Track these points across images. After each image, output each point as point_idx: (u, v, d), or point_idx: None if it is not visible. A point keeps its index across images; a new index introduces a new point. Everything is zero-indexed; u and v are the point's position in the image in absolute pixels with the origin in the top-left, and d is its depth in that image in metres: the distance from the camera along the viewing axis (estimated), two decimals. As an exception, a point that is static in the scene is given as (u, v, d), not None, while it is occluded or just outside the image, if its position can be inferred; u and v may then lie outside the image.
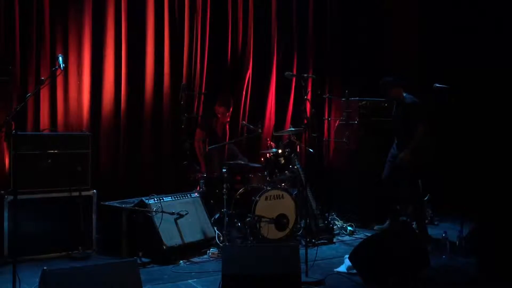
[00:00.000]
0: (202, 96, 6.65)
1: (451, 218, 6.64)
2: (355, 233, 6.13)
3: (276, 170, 5.94)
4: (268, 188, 5.61)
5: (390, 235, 4.99)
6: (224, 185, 5.42)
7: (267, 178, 5.86)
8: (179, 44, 6.54)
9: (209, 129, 6.30)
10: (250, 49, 7.07)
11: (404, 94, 5.90)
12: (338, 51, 7.75)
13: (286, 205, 5.59)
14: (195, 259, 5.08)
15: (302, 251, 4.36)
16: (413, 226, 5.83)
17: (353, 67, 7.64)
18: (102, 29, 6.05)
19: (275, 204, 5.54)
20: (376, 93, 6.26)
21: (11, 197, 4.77)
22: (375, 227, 6.28)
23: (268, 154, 6.03)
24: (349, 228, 6.18)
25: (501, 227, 4.85)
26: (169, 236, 5.02)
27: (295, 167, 5.88)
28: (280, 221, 5.53)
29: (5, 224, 4.79)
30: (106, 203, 5.35)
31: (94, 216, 5.17)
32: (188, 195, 5.50)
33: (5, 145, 5.40)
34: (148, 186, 5.93)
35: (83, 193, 5.12)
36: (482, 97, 7.07)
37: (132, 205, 5.19)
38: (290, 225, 5.60)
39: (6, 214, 4.80)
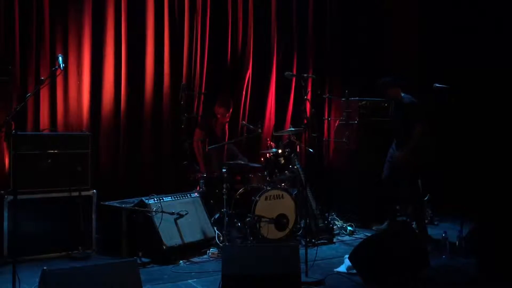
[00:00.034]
0: (202, 96, 6.65)
1: (451, 218, 6.63)
2: (355, 233, 6.12)
3: (276, 170, 5.94)
4: (268, 188, 5.61)
5: (390, 235, 4.98)
6: (224, 185, 5.42)
7: (267, 178, 5.86)
8: (179, 44, 6.54)
9: (208, 129, 6.30)
10: (250, 49, 7.07)
11: (403, 94, 5.90)
12: (338, 51, 7.75)
13: (286, 205, 5.59)
14: (195, 259, 5.08)
15: (302, 251, 4.36)
16: (413, 226, 5.83)
17: (353, 67, 7.64)
18: (102, 29, 6.05)
19: (275, 204, 5.54)
20: (376, 93, 6.26)
21: (11, 197, 4.77)
22: (373, 227, 6.28)
23: (268, 154, 6.03)
24: (349, 228, 6.18)
25: (501, 227, 4.84)
26: (169, 236, 5.02)
27: (295, 167, 5.88)
28: (280, 221, 5.53)
29: (5, 224, 4.79)
30: (106, 203, 5.35)
31: (94, 216, 5.17)
32: (188, 195, 5.50)
33: (5, 145, 5.40)
34: (148, 186, 5.93)
35: (83, 193, 5.12)
36: (482, 97, 7.06)
37: (132, 205, 5.19)
38: (290, 225, 5.60)
39: (6, 214, 4.80)
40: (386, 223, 6.24)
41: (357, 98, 6.77)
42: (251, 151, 6.83)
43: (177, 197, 5.36)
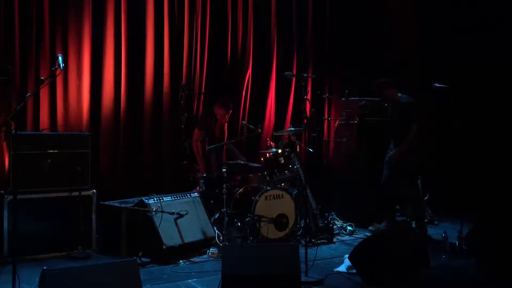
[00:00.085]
0: (202, 96, 6.66)
1: (451, 218, 6.63)
2: (355, 233, 6.12)
3: (276, 170, 5.94)
4: (268, 188, 5.60)
5: (390, 235, 4.98)
6: (224, 185, 5.42)
7: (267, 178, 5.86)
8: (179, 44, 6.54)
9: (207, 129, 6.30)
10: (250, 49, 7.07)
11: (400, 95, 5.90)
12: (338, 51, 7.75)
13: (285, 205, 5.59)
14: (195, 259, 5.08)
15: (302, 251, 4.35)
16: (413, 226, 5.84)
17: (353, 67, 7.64)
18: (102, 29, 6.05)
19: (274, 204, 5.54)
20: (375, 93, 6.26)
21: (11, 197, 4.77)
22: (370, 227, 6.27)
23: (268, 154, 6.03)
24: (349, 228, 6.18)
25: (501, 227, 4.84)
26: (169, 236, 5.02)
27: (295, 167, 5.88)
28: (279, 221, 5.53)
29: (5, 224, 4.79)
30: (106, 203, 5.35)
31: (94, 216, 5.17)
32: (188, 195, 5.50)
33: (5, 145, 5.40)
34: (148, 186, 5.94)
35: (83, 193, 5.12)
36: (482, 97, 7.07)
37: (132, 205, 5.19)
38: (290, 225, 5.60)
39: (6, 214, 4.80)
40: (384, 224, 6.24)
41: (357, 98, 6.77)
42: (251, 151, 6.84)
43: (177, 197, 5.36)
